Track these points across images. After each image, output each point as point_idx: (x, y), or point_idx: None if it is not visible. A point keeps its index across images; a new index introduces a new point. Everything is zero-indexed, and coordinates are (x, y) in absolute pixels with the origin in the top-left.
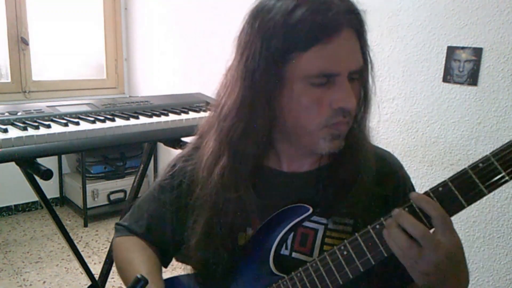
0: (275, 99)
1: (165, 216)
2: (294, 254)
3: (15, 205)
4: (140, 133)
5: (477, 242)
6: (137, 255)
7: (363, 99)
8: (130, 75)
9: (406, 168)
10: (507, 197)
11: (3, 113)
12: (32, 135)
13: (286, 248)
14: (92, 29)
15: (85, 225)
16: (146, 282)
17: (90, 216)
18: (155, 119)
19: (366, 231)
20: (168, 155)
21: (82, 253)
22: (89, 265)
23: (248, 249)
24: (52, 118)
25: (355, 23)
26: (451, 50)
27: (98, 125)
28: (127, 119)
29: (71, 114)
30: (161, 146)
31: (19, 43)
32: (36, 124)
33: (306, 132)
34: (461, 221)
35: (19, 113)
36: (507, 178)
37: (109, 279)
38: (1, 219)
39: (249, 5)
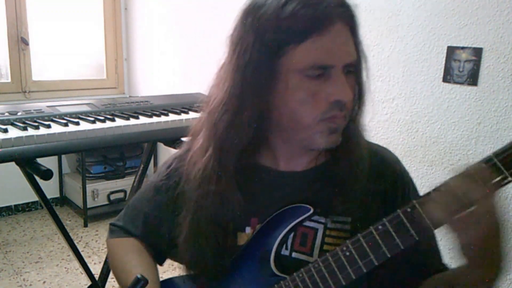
0: (269, 93)
1: (161, 217)
2: (294, 254)
3: (15, 205)
4: (140, 133)
5: None
6: (133, 257)
7: (358, 95)
8: (130, 75)
9: (406, 168)
10: (507, 197)
11: (3, 113)
12: (32, 135)
13: (286, 248)
14: (92, 29)
15: (85, 225)
16: (146, 282)
17: (90, 216)
18: (155, 119)
19: (368, 232)
20: (168, 155)
21: (82, 253)
22: (89, 265)
23: (248, 249)
24: (52, 118)
25: (347, 17)
26: (451, 50)
27: (98, 125)
28: (127, 119)
29: (71, 114)
30: (161, 146)
31: (19, 43)
32: (36, 124)
33: (302, 127)
34: None
35: (19, 113)
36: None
37: (109, 279)
38: (1, 219)
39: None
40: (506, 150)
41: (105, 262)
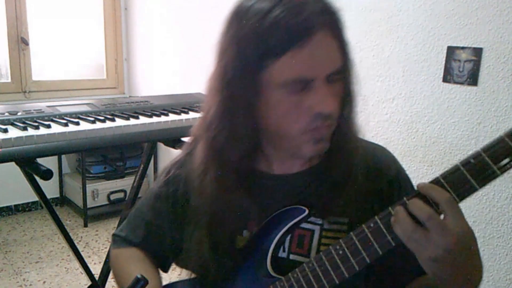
0: (255, 106)
1: (162, 225)
2: (291, 256)
3: (15, 205)
4: (140, 133)
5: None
6: (136, 266)
7: (347, 97)
8: (130, 75)
9: (406, 168)
10: (507, 197)
11: (3, 113)
12: (32, 135)
13: (284, 251)
14: (92, 29)
15: (85, 225)
16: (146, 282)
17: (90, 216)
18: (155, 119)
19: (361, 230)
20: (168, 155)
21: (82, 253)
22: (89, 265)
23: (245, 252)
24: (52, 118)
25: (330, 23)
26: (451, 50)
27: (98, 125)
28: (127, 119)
29: (71, 114)
30: (161, 146)
31: (19, 43)
32: (36, 124)
33: (288, 138)
34: None
35: (19, 113)
36: (498, 172)
37: (109, 279)
38: (1, 219)
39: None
40: (494, 145)
41: (105, 262)
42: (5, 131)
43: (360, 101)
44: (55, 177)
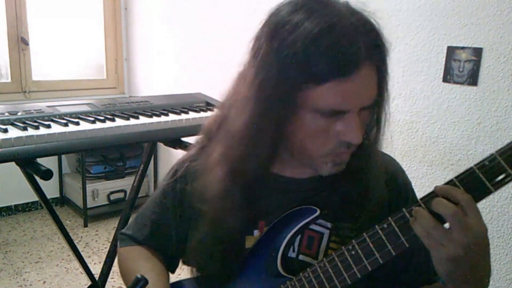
0: (285, 123)
1: (168, 221)
2: (301, 257)
3: (15, 205)
4: (140, 133)
5: None
6: (142, 264)
7: (376, 125)
8: (130, 75)
9: (406, 168)
10: (507, 197)
11: (3, 113)
12: (32, 135)
13: (293, 251)
14: (92, 29)
15: (85, 225)
16: (146, 282)
17: (90, 216)
18: (155, 119)
19: (374, 231)
20: (168, 155)
21: (82, 253)
22: (89, 265)
23: (255, 251)
24: (52, 118)
25: (377, 59)
26: (451, 50)
27: (98, 125)
28: (127, 119)
29: (71, 114)
30: (161, 146)
31: (19, 43)
32: (36, 124)
33: (309, 156)
34: None
35: (19, 113)
36: None
37: (109, 279)
38: (1, 219)
39: (253, 6)
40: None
41: (105, 262)
42: (5, 131)
43: None
44: (55, 177)
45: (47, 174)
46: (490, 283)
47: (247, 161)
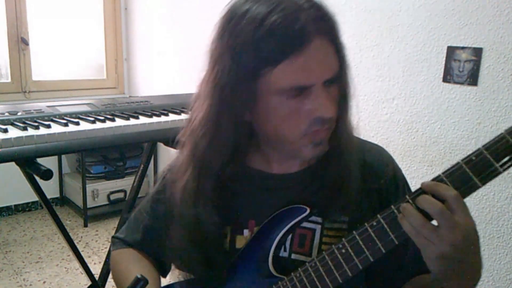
0: (249, 113)
1: (159, 228)
2: (293, 256)
3: (15, 205)
4: (140, 133)
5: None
6: (134, 266)
7: (342, 100)
8: (130, 75)
9: (406, 168)
10: (507, 197)
11: (3, 113)
12: (32, 135)
13: (285, 250)
14: (92, 29)
15: (85, 225)
16: (146, 282)
17: (90, 216)
18: (155, 119)
19: (364, 229)
20: (168, 155)
21: (82, 253)
22: (89, 265)
23: (246, 252)
24: (52, 118)
25: (326, 29)
26: (451, 50)
27: (98, 125)
28: (127, 119)
29: (71, 114)
30: (161, 146)
31: (19, 43)
32: (36, 124)
33: (287, 141)
34: None
35: (19, 113)
36: (500, 170)
37: (109, 279)
38: (1, 219)
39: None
40: (495, 143)
41: (105, 262)
42: (5, 131)
43: (360, 101)
44: (55, 177)
45: (47, 174)
46: (490, 283)
47: (212, 157)
